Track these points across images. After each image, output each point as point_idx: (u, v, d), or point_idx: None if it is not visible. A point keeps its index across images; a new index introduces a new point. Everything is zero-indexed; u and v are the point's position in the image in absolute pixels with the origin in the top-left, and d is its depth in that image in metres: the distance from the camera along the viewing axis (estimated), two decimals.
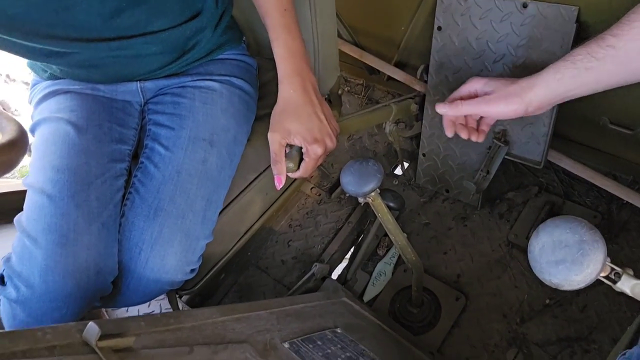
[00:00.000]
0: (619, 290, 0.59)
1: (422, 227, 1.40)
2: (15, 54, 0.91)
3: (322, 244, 1.44)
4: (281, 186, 0.89)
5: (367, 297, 1.32)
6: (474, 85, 0.87)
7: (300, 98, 0.87)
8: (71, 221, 0.84)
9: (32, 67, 1.07)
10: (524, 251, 1.29)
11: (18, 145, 0.68)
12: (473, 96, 0.87)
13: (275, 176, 0.89)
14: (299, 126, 0.86)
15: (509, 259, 1.29)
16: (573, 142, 1.31)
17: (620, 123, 1.15)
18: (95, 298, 0.88)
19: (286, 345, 0.81)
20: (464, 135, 0.93)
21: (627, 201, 1.21)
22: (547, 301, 1.20)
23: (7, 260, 0.86)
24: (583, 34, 1.05)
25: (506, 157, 1.23)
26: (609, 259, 0.58)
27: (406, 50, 1.48)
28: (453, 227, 1.38)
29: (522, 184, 1.40)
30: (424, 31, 1.34)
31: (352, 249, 1.44)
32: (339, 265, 1.43)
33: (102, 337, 0.60)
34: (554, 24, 1.06)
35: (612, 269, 0.58)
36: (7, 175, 0.84)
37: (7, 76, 2.91)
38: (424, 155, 1.43)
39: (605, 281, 0.59)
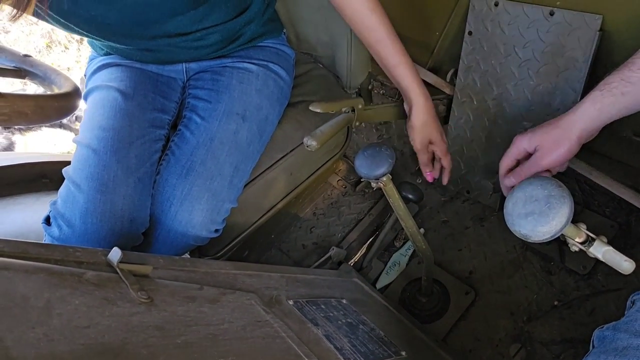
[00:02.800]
0: (592, 255, 0.63)
1: (440, 224, 1.45)
2: (78, 35, 1.04)
3: (343, 233, 1.50)
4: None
5: (379, 285, 1.36)
6: (520, 145, 0.86)
7: (433, 108, 1.04)
8: (111, 173, 0.94)
9: (91, 45, 1.20)
10: (538, 254, 1.32)
11: (72, 96, 0.80)
12: (523, 154, 0.87)
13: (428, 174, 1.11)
14: (439, 130, 1.06)
15: (522, 261, 1.31)
16: (596, 153, 1.33)
17: None
18: (127, 246, 0.98)
19: (291, 302, 0.88)
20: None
21: None
22: (556, 303, 1.22)
23: (54, 203, 0.97)
24: (605, 41, 1.08)
25: None
26: (584, 226, 0.62)
27: (439, 56, 1.54)
28: (470, 227, 1.42)
29: None
30: (456, 37, 1.40)
31: (370, 239, 1.50)
32: (357, 255, 1.49)
33: (123, 262, 0.69)
34: (578, 31, 1.10)
35: (588, 235, 0.62)
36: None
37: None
38: None
39: (580, 246, 0.63)
